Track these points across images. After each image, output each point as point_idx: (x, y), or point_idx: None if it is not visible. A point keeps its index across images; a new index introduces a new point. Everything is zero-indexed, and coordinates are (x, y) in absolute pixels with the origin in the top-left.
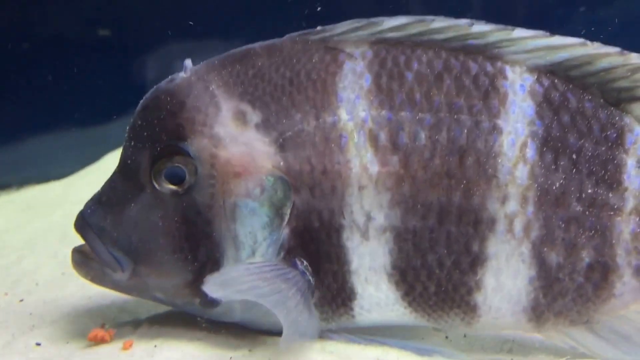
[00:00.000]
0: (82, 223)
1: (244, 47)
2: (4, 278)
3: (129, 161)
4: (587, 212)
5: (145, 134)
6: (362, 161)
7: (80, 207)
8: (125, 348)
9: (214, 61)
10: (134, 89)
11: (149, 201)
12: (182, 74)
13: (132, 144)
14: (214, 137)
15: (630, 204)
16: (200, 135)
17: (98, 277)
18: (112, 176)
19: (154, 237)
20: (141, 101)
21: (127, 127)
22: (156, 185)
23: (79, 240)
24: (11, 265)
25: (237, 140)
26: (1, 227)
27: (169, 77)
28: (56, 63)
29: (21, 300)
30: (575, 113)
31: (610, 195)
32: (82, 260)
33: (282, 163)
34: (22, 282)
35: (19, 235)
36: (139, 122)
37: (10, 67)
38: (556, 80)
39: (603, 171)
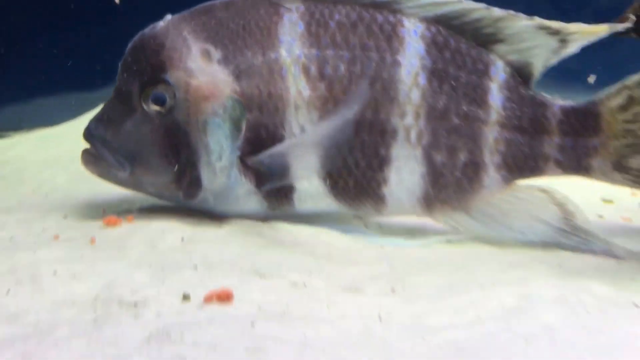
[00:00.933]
0: (90, 135)
1: (208, 3)
2: (29, 182)
3: (122, 89)
4: (462, 124)
5: (135, 68)
6: (297, 87)
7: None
8: (128, 220)
9: (185, 14)
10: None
11: (140, 119)
12: (161, 23)
13: (125, 76)
14: (187, 69)
15: (493, 117)
16: (177, 68)
17: (104, 174)
18: (109, 101)
19: (146, 146)
20: (130, 43)
21: (120, 63)
22: (145, 107)
23: None
24: (34, 175)
25: (204, 71)
26: (21, 153)
27: (151, 25)
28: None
29: (46, 195)
30: (454, 51)
31: (480, 111)
32: (91, 159)
33: (238, 89)
34: (44, 185)
35: (36, 157)
36: (130, 59)
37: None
38: (440, 28)
39: (474, 93)
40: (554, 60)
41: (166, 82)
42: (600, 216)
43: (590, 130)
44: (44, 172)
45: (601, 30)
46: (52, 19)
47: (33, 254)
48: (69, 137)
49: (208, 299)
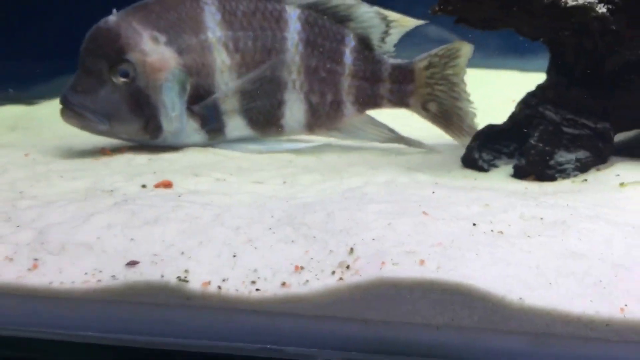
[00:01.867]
0: (67, 101)
1: (142, 2)
2: (48, 132)
3: (90, 66)
4: (328, 76)
5: (100, 52)
6: (221, 58)
7: None
8: (121, 152)
9: (128, 10)
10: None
11: (112, 88)
12: (112, 17)
13: (91, 58)
14: (142, 51)
15: (347, 71)
16: (134, 50)
17: (86, 127)
18: (78, 76)
19: (118, 106)
20: (89, 34)
21: (81, 50)
22: (114, 79)
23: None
24: (52, 128)
25: (155, 51)
26: (45, 114)
27: (102, 19)
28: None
29: (60, 138)
30: (321, 27)
31: (338, 67)
32: (72, 117)
33: (181, 62)
34: (60, 133)
35: (56, 117)
36: (93, 45)
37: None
38: (311, 12)
39: (334, 55)
40: (393, 36)
41: (128, 61)
42: None
43: (408, 80)
44: (61, 126)
45: (412, 22)
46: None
47: (47, 167)
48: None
49: (157, 186)
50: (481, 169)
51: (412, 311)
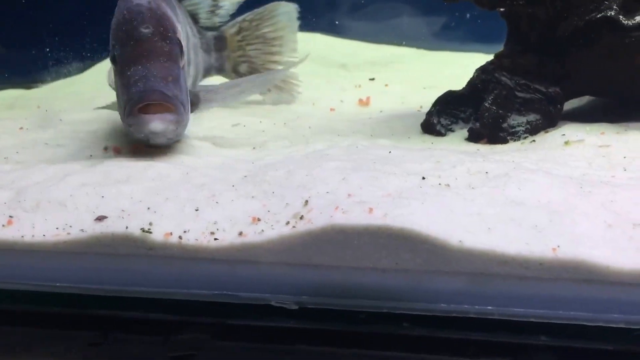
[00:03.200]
0: (167, 96)
1: None
2: (42, 108)
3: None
4: None
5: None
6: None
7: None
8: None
9: None
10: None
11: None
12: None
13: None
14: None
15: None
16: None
17: (180, 125)
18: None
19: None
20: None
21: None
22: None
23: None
24: (48, 104)
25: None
26: (44, 94)
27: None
28: None
29: (54, 111)
30: (172, 6)
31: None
32: (172, 116)
33: None
34: (54, 108)
35: (54, 95)
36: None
37: None
38: None
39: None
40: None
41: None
42: None
43: (223, 47)
44: (58, 103)
45: None
46: None
47: (35, 136)
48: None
49: (134, 148)
50: (439, 134)
51: (360, 256)
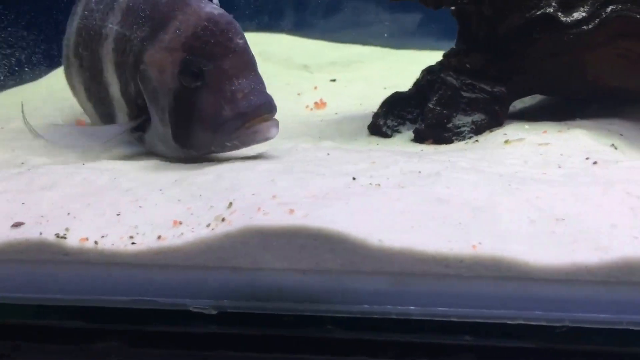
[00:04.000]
0: (273, 106)
1: None
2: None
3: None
4: None
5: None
6: None
7: None
8: None
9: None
10: None
11: None
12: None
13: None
14: None
15: None
16: None
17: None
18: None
19: None
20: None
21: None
22: None
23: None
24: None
25: None
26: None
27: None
28: None
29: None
30: None
31: None
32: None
33: None
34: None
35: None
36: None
37: None
38: None
39: None
40: None
41: None
42: None
43: None
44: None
45: None
46: None
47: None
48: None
49: None
50: (385, 135)
51: (279, 257)
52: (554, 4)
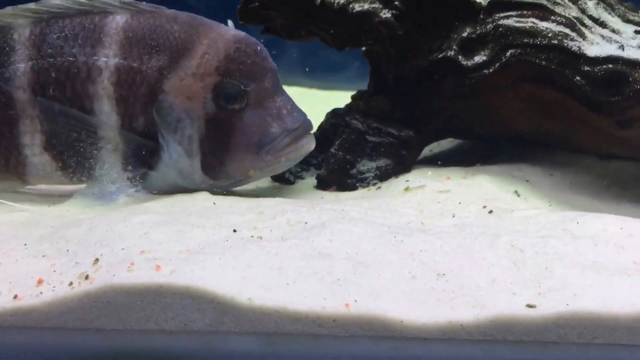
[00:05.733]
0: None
1: None
2: None
3: None
4: None
5: None
6: None
7: None
8: None
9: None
10: None
11: None
12: None
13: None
14: None
15: None
16: None
17: None
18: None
19: None
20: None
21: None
22: None
23: None
24: None
25: None
26: None
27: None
28: None
29: None
30: None
31: None
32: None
33: None
34: None
35: None
36: None
37: None
38: None
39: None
40: None
41: None
42: None
43: None
44: None
45: None
46: None
47: None
48: None
49: None
50: (287, 182)
51: (145, 317)
52: (455, 47)
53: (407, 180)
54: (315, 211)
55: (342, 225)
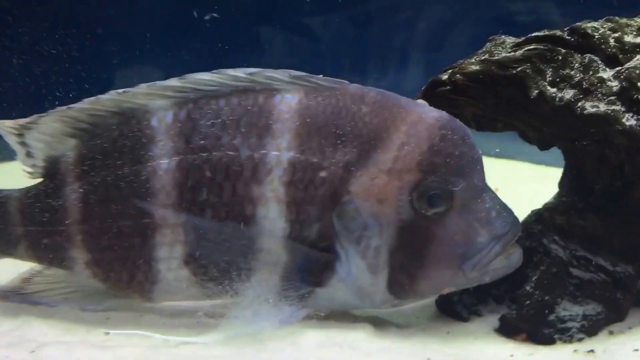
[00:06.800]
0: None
1: None
2: None
3: None
4: None
5: None
6: None
7: None
8: None
9: None
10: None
11: None
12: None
13: None
14: None
15: None
16: None
17: None
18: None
19: None
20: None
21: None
22: None
23: None
24: None
25: None
26: None
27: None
28: None
29: None
30: None
31: None
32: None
33: None
34: None
35: None
36: None
37: None
38: None
39: None
40: None
41: None
42: None
43: None
44: None
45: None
46: None
47: None
48: None
49: None
50: (459, 317)
51: None
52: None
53: (637, 350)
54: None
55: None
